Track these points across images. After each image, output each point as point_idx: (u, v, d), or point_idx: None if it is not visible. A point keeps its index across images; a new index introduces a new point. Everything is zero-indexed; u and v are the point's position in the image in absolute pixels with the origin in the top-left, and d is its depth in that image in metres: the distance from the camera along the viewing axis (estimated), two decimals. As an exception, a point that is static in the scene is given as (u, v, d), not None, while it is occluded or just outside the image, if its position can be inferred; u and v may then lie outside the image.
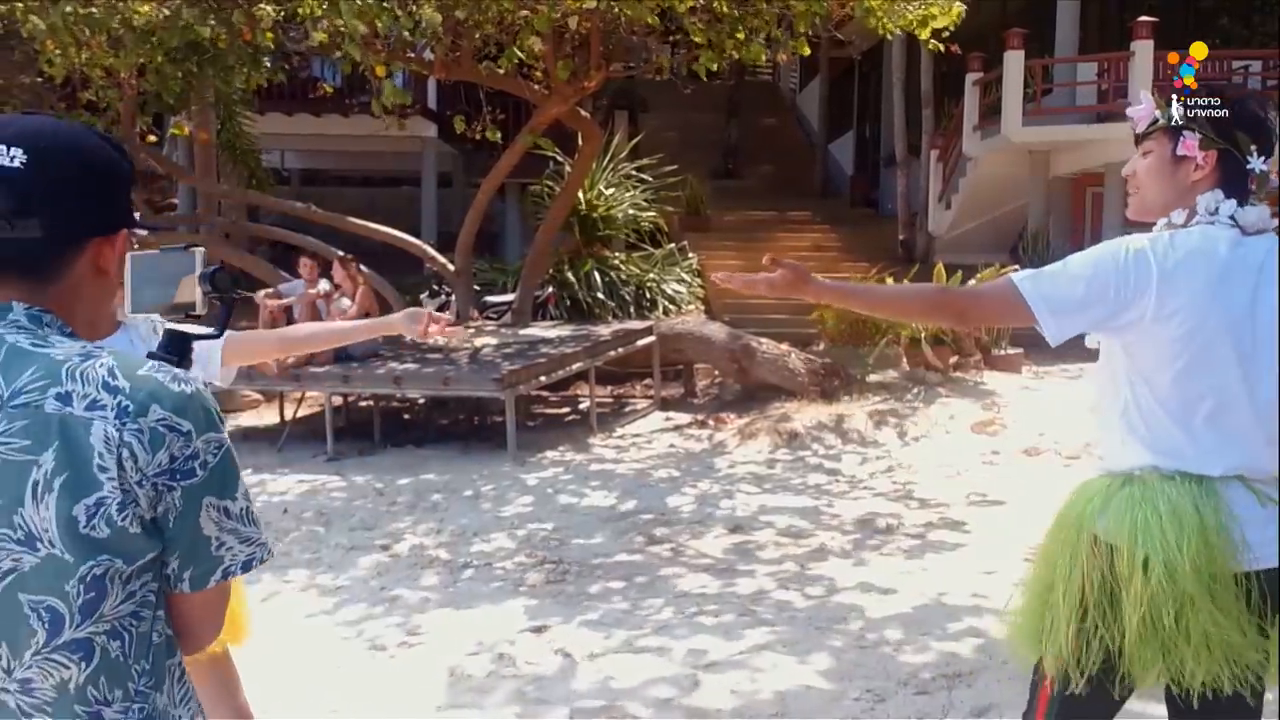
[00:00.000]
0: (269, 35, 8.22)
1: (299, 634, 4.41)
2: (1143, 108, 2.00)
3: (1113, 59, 11.83)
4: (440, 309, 11.70)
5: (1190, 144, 1.92)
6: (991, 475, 6.84)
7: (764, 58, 8.55)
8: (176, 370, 1.22)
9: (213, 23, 7.62)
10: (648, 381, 9.94)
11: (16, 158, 1.17)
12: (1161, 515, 1.87)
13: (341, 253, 9.51)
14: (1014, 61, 11.65)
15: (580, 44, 9.05)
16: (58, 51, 7.65)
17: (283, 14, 7.83)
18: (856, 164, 18.81)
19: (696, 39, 7.96)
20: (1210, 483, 1.88)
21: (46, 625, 1.14)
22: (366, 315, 8.83)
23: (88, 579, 1.14)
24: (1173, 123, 1.94)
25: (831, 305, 2.03)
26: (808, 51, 8.84)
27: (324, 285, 9.00)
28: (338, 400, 8.86)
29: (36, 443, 1.14)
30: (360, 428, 8.90)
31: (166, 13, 7.42)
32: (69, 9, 6.86)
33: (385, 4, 7.04)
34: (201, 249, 1.47)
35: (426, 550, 5.58)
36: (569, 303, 11.49)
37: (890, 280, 10.21)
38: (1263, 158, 1.91)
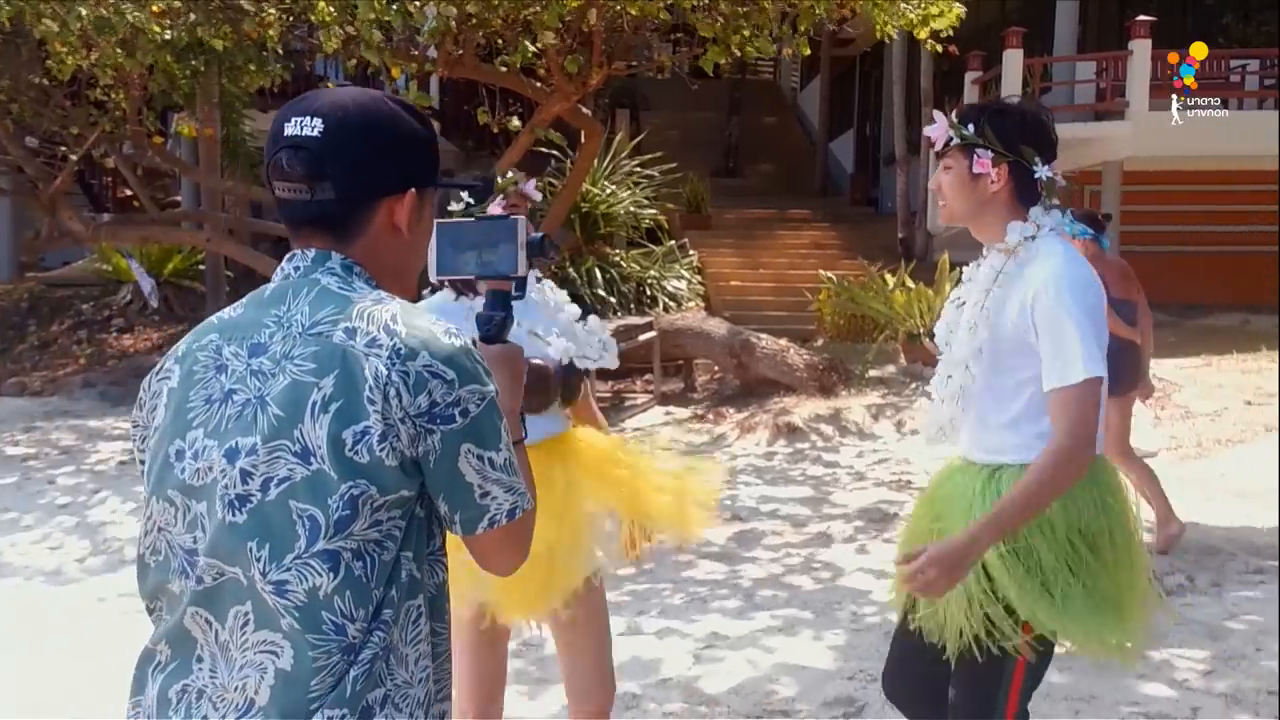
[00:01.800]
0: (273, 34, 8.31)
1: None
2: (938, 127, 2.18)
3: (1111, 58, 11.92)
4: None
5: (984, 162, 2.13)
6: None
7: (772, 50, 8.62)
8: (451, 325, 1.31)
9: (225, 28, 7.71)
10: (648, 377, 10.02)
11: (316, 127, 1.31)
12: (1112, 490, 2.13)
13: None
14: (1013, 60, 11.73)
15: (583, 41, 9.13)
16: (66, 51, 7.74)
17: (291, 19, 7.92)
18: (857, 163, 18.89)
19: (704, 34, 8.03)
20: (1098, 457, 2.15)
21: (307, 532, 1.23)
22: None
23: (346, 497, 1.23)
24: (965, 141, 2.14)
25: (986, 533, 2.01)
26: (808, 51, 8.93)
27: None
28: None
29: (321, 368, 1.26)
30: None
31: (186, 17, 7.50)
32: (84, 11, 6.94)
33: (395, 5, 7.10)
34: (523, 217, 1.56)
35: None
36: (570, 299, 11.55)
37: (889, 278, 10.29)
38: (1047, 165, 2.14)
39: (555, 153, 11.04)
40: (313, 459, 1.23)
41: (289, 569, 1.23)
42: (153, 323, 13.04)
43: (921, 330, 9.33)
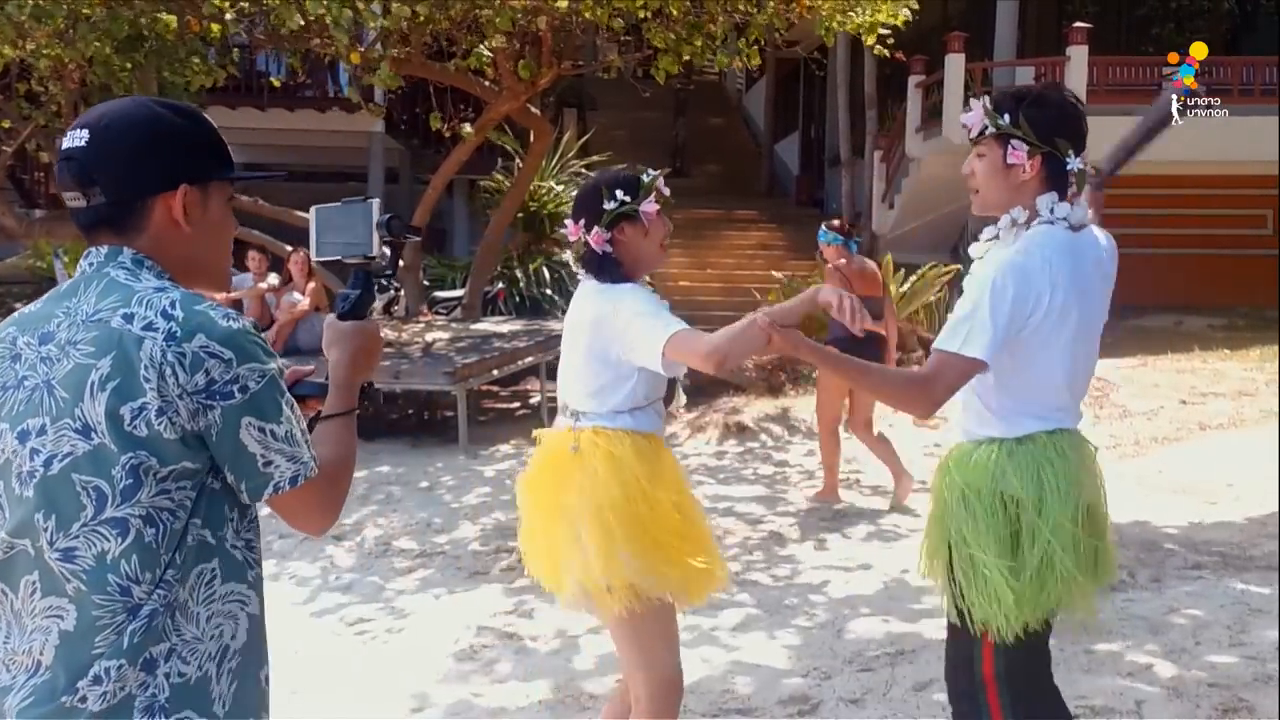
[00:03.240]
0: (216, 28, 8.16)
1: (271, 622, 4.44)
2: (974, 114, 2.20)
3: (1049, 63, 12.18)
4: (389, 305, 11.65)
5: (1018, 153, 2.15)
6: (933, 465, 7.03)
7: (726, 64, 8.69)
8: (230, 310, 1.40)
9: (162, 14, 7.54)
10: (598, 376, 10.03)
11: (82, 138, 1.42)
12: (1058, 466, 2.18)
13: (290, 247, 9.46)
14: (955, 65, 11.93)
15: (533, 42, 9.11)
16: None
17: (237, 8, 7.77)
18: (802, 164, 19.07)
19: (656, 44, 8.06)
20: (1074, 433, 2.28)
21: (94, 501, 1.33)
22: (316, 310, 8.81)
23: (127, 467, 1.33)
24: (1001, 131, 2.16)
25: (812, 363, 2.23)
26: (758, 61, 9.00)
27: (273, 279, 8.95)
28: (287, 394, 8.83)
29: (99, 350, 1.35)
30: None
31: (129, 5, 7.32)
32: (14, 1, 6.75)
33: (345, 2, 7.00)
34: (378, 199, 1.65)
35: (389, 540, 5.62)
36: (518, 299, 11.54)
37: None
38: (1079, 157, 2.17)
39: (504, 150, 10.99)
40: (93, 434, 1.33)
41: (77, 536, 1.33)
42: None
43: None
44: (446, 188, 12.51)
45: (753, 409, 8.51)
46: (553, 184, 12.29)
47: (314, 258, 1.68)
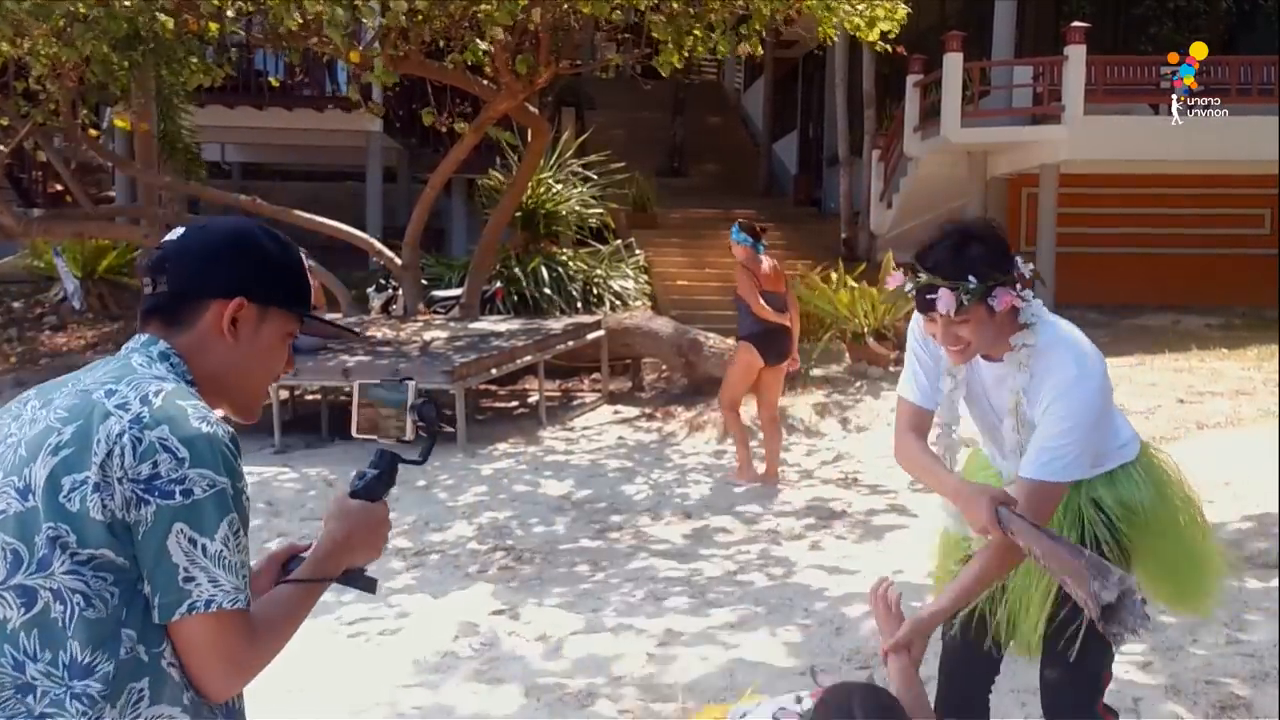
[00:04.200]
0: (213, 27, 8.16)
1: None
2: (944, 298, 2.11)
3: (1047, 62, 12.18)
4: (387, 304, 11.67)
5: (1006, 297, 2.13)
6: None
7: (727, 50, 8.67)
8: (210, 414, 1.34)
9: (160, 15, 7.53)
10: (595, 376, 10.03)
11: (177, 234, 1.47)
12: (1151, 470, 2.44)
13: (288, 245, 9.44)
14: (953, 64, 11.92)
15: (530, 39, 9.11)
16: (-3, 40, 7.53)
17: (235, 7, 7.76)
18: (800, 163, 19.07)
19: (657, 36, 8.05)
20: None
21: (8, 564, 1.27)
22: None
23: (46, 537, 1.26)
24: (975, 295, 2.11)
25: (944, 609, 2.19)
26: (760, 50, 8.99)
27: (271, 278, 8.93)
28: (284, 394, 8.82)
29: (69, 417, 1.32)
30: (307, 421, 8.86)
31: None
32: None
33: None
34: (413, 381, 1.64)
35: (388, 540, 5.60)
36: (516, 298, 11.51)
37: (834, 276, 10.40)
38: (1019, 260, 2.19)
39: (502, 150, 10.99)
40: (30, 496, 1.28)
41: None
42: (86, 320, 12.72)
43: (866, 330, 9.45)
44: (445, 187, 12.51)
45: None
46: (551, 182, 12.27)
47: (353, 434, 1.65)
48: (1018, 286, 2.16)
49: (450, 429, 1.66)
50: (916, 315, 2.32)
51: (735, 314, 6.66)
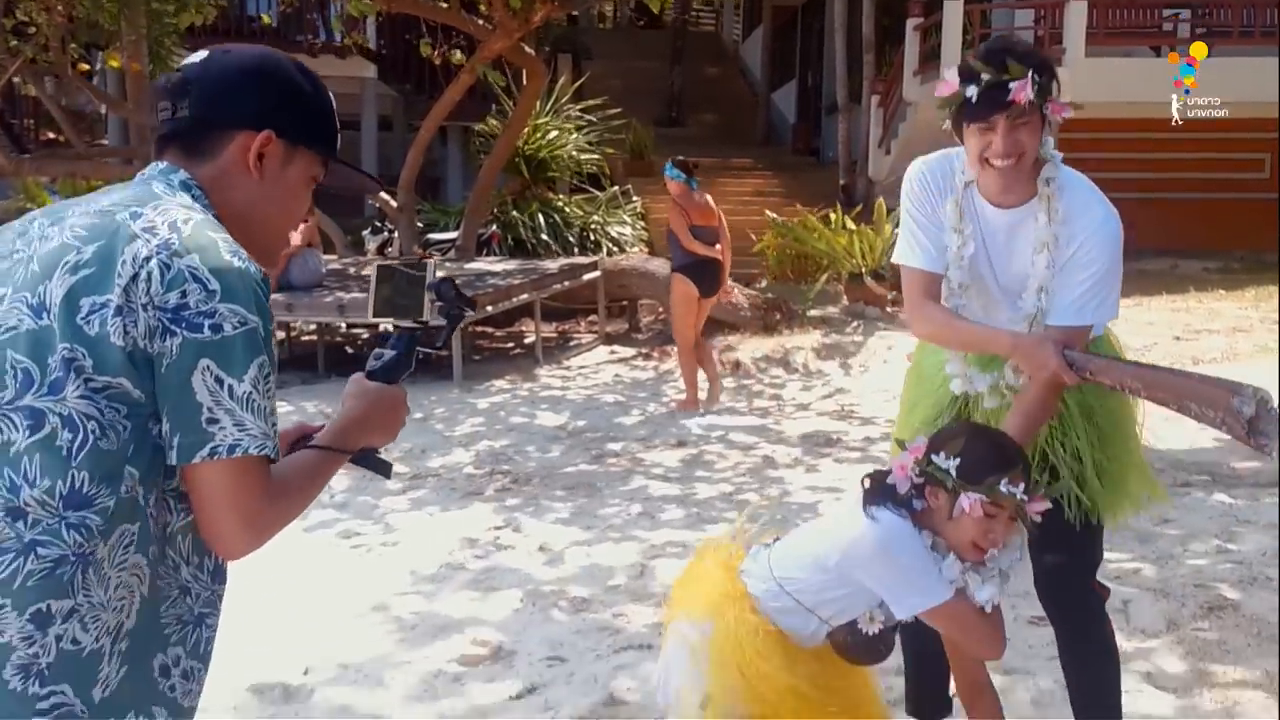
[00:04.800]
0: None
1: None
2: (1022, 86, 2.05)
3: (1049, 5, 12.06)
4: (383, 246, 11.63)
5: (1059, 106, 2.13)
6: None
7: None
8: (241, 250, 1.26)
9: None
10: (592, 317, 10.02)
11: (200, 57, 1.37)
12: None
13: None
14: (953, 7, 11.80)
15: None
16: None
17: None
18: (799, 112, 18.94)
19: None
20: None
21: (17, 383, 1.18)
22: (309, 246, 8.77)
23: (61, 359, 1.18)
24: (1044, 94, 2.08)
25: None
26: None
27: (266, 217, 8.88)
28: (280, 333, 8.82)
29: (90, 236, 1.24)
30: (303, 360, 8.87)
31: None
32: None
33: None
34: (434, 260, 1.51)
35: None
36: (513, 242, 11.47)
37: (833, 217, 10.37)
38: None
39: (497, 97, 10.90)
40: (44, 314, 1.20)
41: None
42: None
43: (864, 270, 9.44)
44: (440, 134, 12.45)
45: (748, 347, 8.51)
46: (548, 128, 12.19)
47: (369, 317, 1.59)
48: (1067, 112, 2.11)
49: (470, 309, 1.59)
50: (911, 176, 2.29)
51: (732, 255, 6.97)
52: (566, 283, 9.21)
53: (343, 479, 5.38)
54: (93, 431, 1.18)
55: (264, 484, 1.23)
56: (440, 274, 1.47)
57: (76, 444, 1.17)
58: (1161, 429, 5.79)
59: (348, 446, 1.39)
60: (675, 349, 8.76)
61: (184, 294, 1.19)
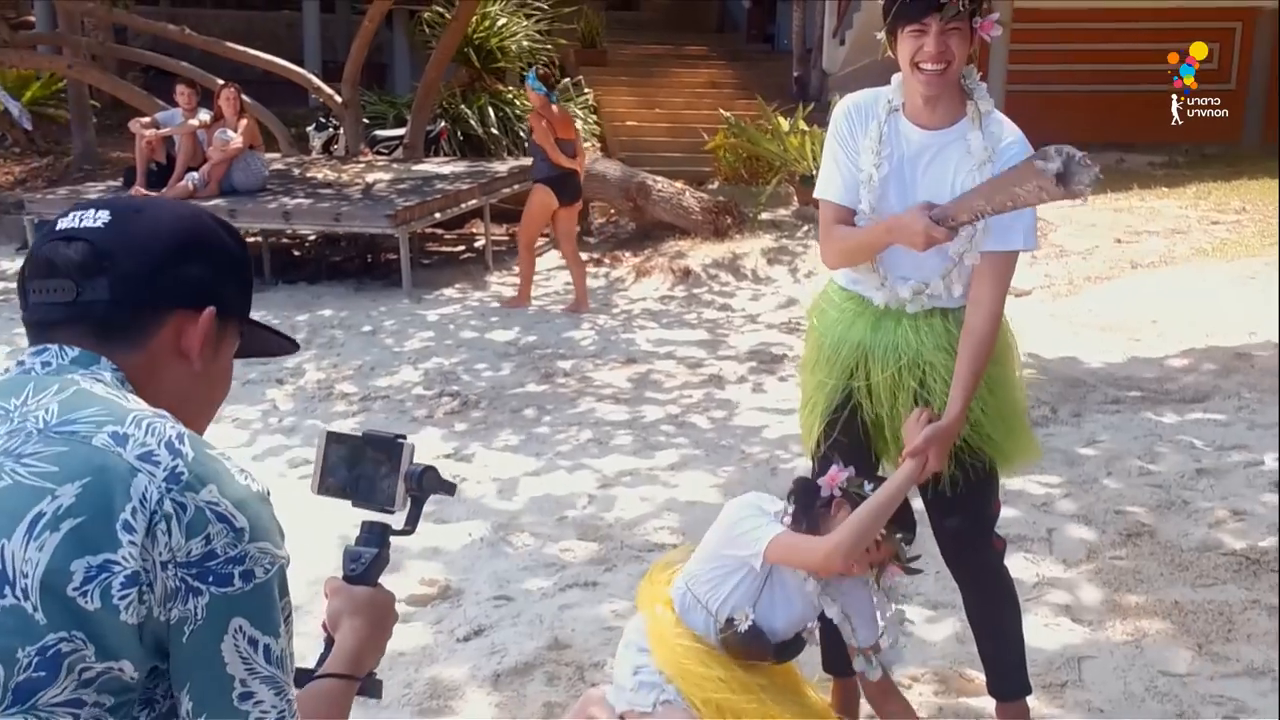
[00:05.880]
0: None
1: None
2: None
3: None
4: (328, 143, 11.35)
5: (989, 24, 2.16)
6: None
7: None
8: (248, 469, 1.06)
9: None
10: (544, 219, 9.93)
11: (100, 218, 1.10)
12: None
13: (221, 81, 9.08)
14: (912, -109, 11.47)
15: None
16: None
17: None
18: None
19: None
20: None
21: None
22: (251, 148, 8.56)
23: (50, 653, 0.91)
24: (974, 6, 2.13)
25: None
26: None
27: (204, 115, 8.62)
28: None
29: (63, 472, 0.96)
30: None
31: None
32: None
33: None
34: (413, 444, 1.30)
35: (332, 385, 5.65)
36: (462, 137, 11.26)
37: (783, 120, 10.25)
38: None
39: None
40: (7, 588, 0.91)
41: None
42: (13, 155, 12.27)
43: (815, 172, 9.39)
44: (386, 19, 12.01)
45: (698, 253, 8.52)
46: (496, 15, 11.82)
47: (314, 492, 1.34)
48: (994, 32, 2.16)
49: (449, 495, 1.47)
50: (837, 112, 2.33)
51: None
52: (516, 186, 9.09)
53: (289, 401, 5.41)
54: None
55: None
56: (420, 463, 1.34)
57: None
58: (1097, 345, 5.99)
59: (363, 671, 1.22)
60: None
61: (208, 539, 0.97)
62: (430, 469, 1.31)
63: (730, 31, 18.10)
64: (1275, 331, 5.62)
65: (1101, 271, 7.59)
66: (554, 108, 7.17)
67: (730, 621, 2.12)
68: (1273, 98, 12.65)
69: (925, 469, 2.15)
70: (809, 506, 2.14)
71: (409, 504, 1.31)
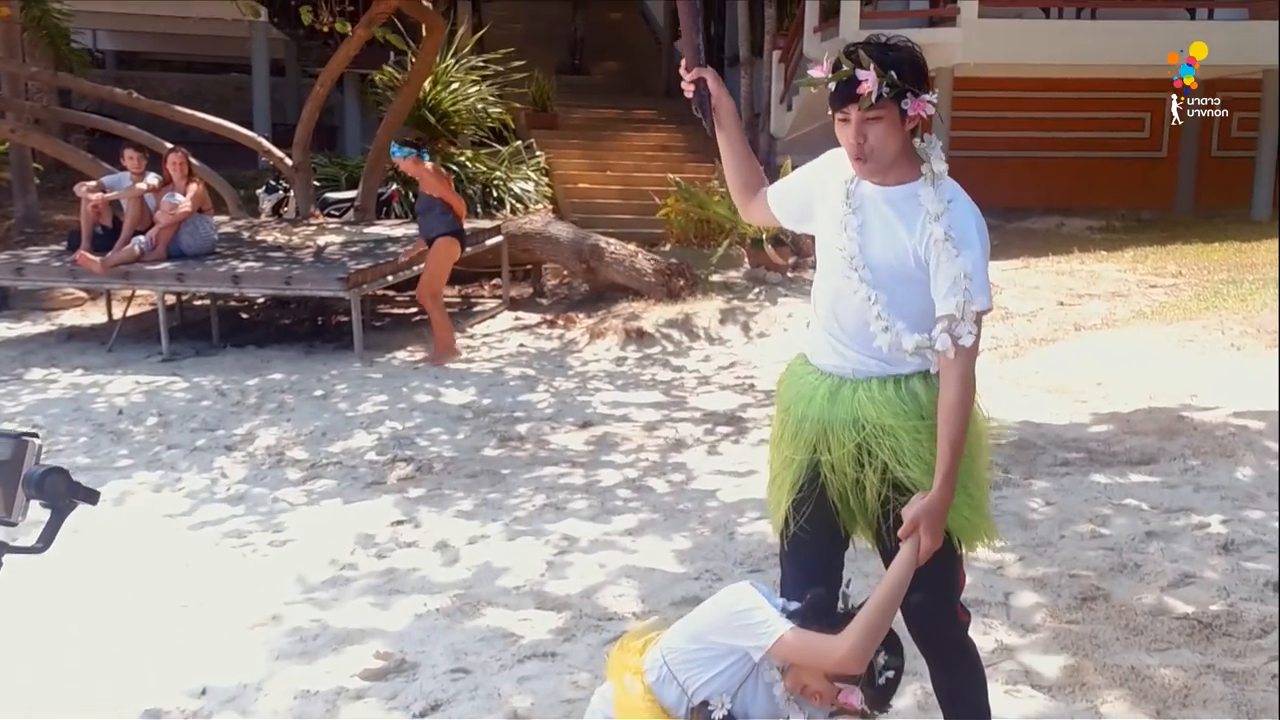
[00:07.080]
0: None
1: (156, 533, 4.39)
2: (869, 79, 2.17)
3: (947, -35, 12.17)
4: (278, 205, 11.28)
5: (921, 103, 2.19)
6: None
7: None
8: None
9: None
10: (495, 281, 9.94)
11: None
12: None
13: (170, 144, 9.01)
14: (854, -36, 11.82)
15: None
16: None
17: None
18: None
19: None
20: None
21: None
22: (200, 212, 8.47)
23: None
24: (895, 90, 2.17)
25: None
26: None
27: (152, 179, 8.54)
28: (171, 299, 8.54)
29: None
30: (196, 327, 8.62)
31: None
32: None
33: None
34: (37, 440, 1.15)
35: (283, 450, 5.55)
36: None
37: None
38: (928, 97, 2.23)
39: (397, 46, 10.58)
40: None
41: None
42: (-48, 222, 12.01)
43: (765, 236, 9.52)
44: (337, 83, 12.03)
45: (652, 315, 8.56)
46: (448, 80, 11.90)
47: None
48: (927, 110, 2.20)
49: (91, 503, 1.19)
50: (831, 153, 2.37)
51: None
52: (469, 249, 9.09)
53: (238, 468, 5.30)
54: None
55: None
56: (47, 462, 1.10)
57: None
58: (1045, 407, 6.09)
59: None
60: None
61: None
62: (57, 471, 1.14)
63: (679, 96, 18.26)
64: (1225, 396, 5.79)
65: (1046, 334, 7.74)
66: (427, 164, 7.53)
67: (705, 705, 2.10)
68: (1205, 164, 13.16)
69: (922, 549, 2.15)
70: (833, 623, 2.12)
71: (47, 514, 1.13)
